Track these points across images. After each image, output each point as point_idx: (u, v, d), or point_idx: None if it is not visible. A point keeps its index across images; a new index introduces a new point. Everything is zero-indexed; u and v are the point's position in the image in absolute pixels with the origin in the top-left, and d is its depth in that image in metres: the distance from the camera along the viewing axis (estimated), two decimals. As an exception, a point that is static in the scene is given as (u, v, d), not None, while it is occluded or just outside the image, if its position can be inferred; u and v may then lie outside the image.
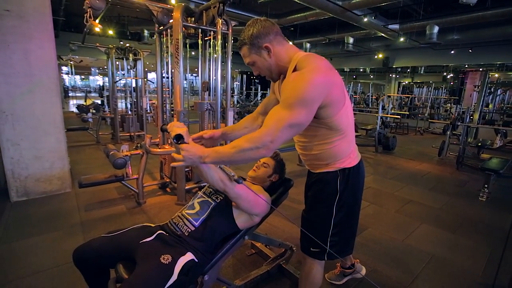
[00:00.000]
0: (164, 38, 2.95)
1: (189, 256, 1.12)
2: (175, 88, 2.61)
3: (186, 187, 2.85)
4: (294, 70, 1.02)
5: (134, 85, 6.00)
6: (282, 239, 1.81)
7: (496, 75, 12.71)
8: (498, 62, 10.31)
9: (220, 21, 2.50)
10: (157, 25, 2.85)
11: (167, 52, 3.03)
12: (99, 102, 9.72)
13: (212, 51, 2.86)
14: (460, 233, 2.45)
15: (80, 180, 2.52)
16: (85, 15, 2.25)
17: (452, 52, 10.38)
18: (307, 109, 0.95)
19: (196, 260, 1.14)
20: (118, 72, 5.99)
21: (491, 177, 3.21)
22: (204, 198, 1.31)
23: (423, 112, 9.95)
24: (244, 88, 13.12)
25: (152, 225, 1.32)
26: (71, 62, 14.67)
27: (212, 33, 2.78)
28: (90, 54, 11.40)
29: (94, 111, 7.40)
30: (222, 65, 2.77)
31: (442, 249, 2.17)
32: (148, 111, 6.32)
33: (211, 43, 2.84)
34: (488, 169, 3.24)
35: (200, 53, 2.97)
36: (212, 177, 1.11)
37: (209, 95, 3.01)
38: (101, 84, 15.12)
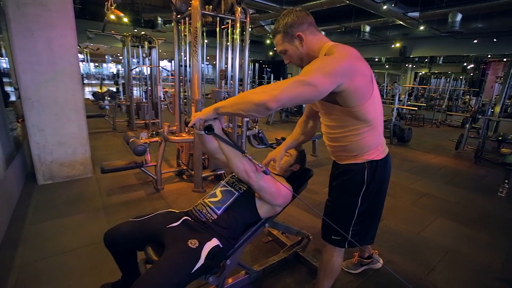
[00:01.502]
0: (182, 27, 2.95)
1: (214, 241, 1.17)
2: (193, 76, 2.63)
3: (203, 175, 2.91)
4: None
5: (148, 73, 6.07)
6: (298, 228, 1.84)
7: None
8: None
9: (239, 9, 2.47)
10: (175, 13, 2.85)
11: (184, 41, 3.03)
12: (114, 89, 9.87)
13: (230, 39, 2.84)
14: (477, 228, 2.42)
15: (102, 166, 2.61)
16: (106, 3, 2.27)
17: (475, 41, 9.93)
18: (324, 76, 0.91)
19: (221, 246, 1.18)
20: (133, 60, 6.05)
21: (511, 173, 3.13)
22: (227, 187, 1.35)
23: (440, 104, 9.65)
24: (256, 77, 13.02)
25: (177, 211, 1.37)
26: (86, 50, 14.86)
27: (230, 21, 2.76)
28: (105, 41, 11.52)
29: (109, 98, 7.54)
30: (240, 54, 2.76)
31: (459, 243, 2.17)
32: (162, 99, 6.39)
33: (229, 31, 2.83)
34: (509, 163, 3.15)
35: (218, 41, 2.97)
36: (238, 167, 1.14)
37: (225, 83, 3.02)
38: (116, 72, 15.30)
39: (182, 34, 3.00)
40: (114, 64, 25.08)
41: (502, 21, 7.54)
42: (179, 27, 3.01)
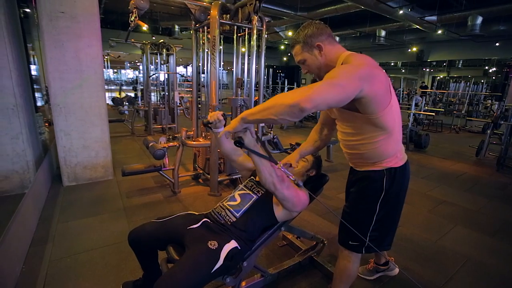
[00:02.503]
0: (200, 35, 3.07)
1: (233, 243, 1.22)
2: (211, 83, 2.72)
3: (219, 179, 2.98)
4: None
5: (166, 78, 6.27)
6: (313, 232, 1.86)
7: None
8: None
9: (256, 17, 2.55)
10: (193, 22, 2.96)
11: (202, 49, 3.14)
12: (132, 95, 10.22)
13: (246, 46, 2.92)
14: (499, 237, 2.35)
15: (123, 169, 2.73)
16: (130, 14, 2.40)
17: (497, 44, 9.62)
18: (348, 80, 0.94)
19: (239, 248, 1.23)
20: (151, 66, 6.27)
21: (536, 181, 3.02)
22: (246, 191, 1.40)
23: (459, 109, 9.36)
24: (270, 82, 13.11)
25: (196, 213, 1.43)
26: (106, 57, 15.47)
27: (246, 29, 2.84)
28: (124, 49, 11.99)
29: (127, 103, 7.82)
30: (256, 60, 2.83)
31: (479, 252, 2.11)
32: (178, 104, 6.58)
33: (245, 38, 2.91)
34: (534, 171, 3.04)
35: (234, 48, 3.06)
36: (266, 180, 1.18)
37: (241, 90, 3.09)
38: (135, 78, 15.86)
39: (200, 42, 3.11)
40: (132, 70, 25.93)
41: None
42: (198, 35, 3.12)
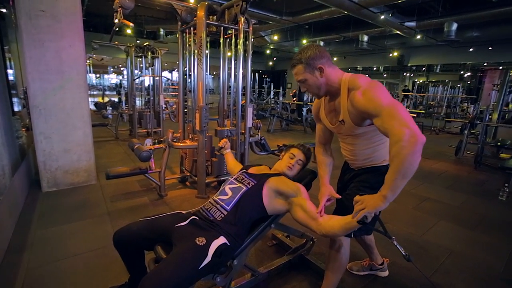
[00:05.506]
0: (186, 37, 3.05)
1: (222, 239, 1.20)
2: (198, 85, 2.70)
3: (206, 181, 2.94)
4: (349, 90, 1.17)
5: (151, 82, 6.17)
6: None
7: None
8: (519, 60, 10.02)
9: (242, 19, 2.56)
10: (180, 23, 2.94)
11: (188, 51, 3.11)
12: (116, 100, 9.98)
13: (233, 50, 2.92)
14: (479, 230, 2.44)
15: (107, 172, 2.64)
16: (115, 14, 2.36)
17: (471, 49, 10.11)
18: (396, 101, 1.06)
19: (228, 244, 1.21)
20: (136, 71, 6.16)
21: (511, 176, 3.16)
22: (237, 184, 1.39)
23: (438, 112, 9.75)
24: (257, 86, 13.19)
25: (184, 212, 1.41)
26: (88, 61, 15.09)
27: (233, 31, 2.85)
28: (108, 53, 11.71)
29: (111, 108, 7.63)
30: (243, 63, 2.83)
31: (462, 245, 2.18)
32: (164, 108, 6.48)
33: (232, 41, 2.91)
34: (509, 168, 3.19)
35: (221, 53, 3.05)
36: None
37: (229, 93, 3.09)
38: (118, 82, 15.51)
39: (187, 44, 3.09)
40: (116, 75, 25.38)
41: (496, 30, 7.72)
42: (184, 37, 3.10)
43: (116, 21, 2.29)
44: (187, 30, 2.97)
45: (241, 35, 2.68)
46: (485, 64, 12.68)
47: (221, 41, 2.99)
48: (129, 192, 3.00)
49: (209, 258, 1.11)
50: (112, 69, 23.90)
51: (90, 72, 19.41)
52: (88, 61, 15.08)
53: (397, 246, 1.26)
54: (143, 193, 3.01)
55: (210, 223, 1.27)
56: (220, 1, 6.20)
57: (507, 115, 7.92)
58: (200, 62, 2.63)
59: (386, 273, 1.80)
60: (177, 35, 3.09)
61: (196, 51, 2.65)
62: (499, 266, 1.94)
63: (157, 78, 5.85)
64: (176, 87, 9.00)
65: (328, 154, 1.51)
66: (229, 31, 2.93)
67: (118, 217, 2.44)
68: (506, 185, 3.18)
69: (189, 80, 3.18)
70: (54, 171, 2.92)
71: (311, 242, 1.88)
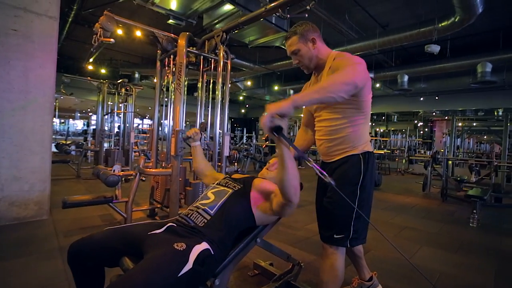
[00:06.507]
0: (166, 66, 3.07)
1: (204, 245, 1.02)
2: (175, 108, 2.64)
3: (179, 212, 2.68)
4: (334, 60, 1.25)
5: (122, 123, 5.97)
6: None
7: (460, 124, 13.99)
8: (460, 109, 11.47)
9: (222, 48, 2.67)
10: (159, 52, 2.99)
11: (166, 81, 3.10)
12: (82, 141, 9.45)
13: (211, 88, 2.92)
14: (461, 254, 2.42)
15: (64, 200, 2.31)
16: (95, 36, 2.34)
17: (421, 99, 11.48)
18: (364, 69, 1.15)
19: (212, 252, 1.04)
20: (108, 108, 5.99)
21: (477, 204, 3.32)
22: (220, 188, 1.26)
23: (401, 155, 10.50)
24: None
25: (159, 220, 1.22)
26: (54, 103, 14.54)
27: (212, 61, 2.91)
28: (78, 94, 11.37)
29: (74, 147, 7.11)
30: (221, 111, 2.77)
31: (449, 267, 2.12)
32: (133, 145, 6.21)
33: (211, 79, 2.90)
34: (474, 196, 3.36)
35: (199, 81, 3.06)
36: (290, 180, 1.00)
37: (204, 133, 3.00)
38: (85, 127, 14.87)
39: (165, 76, 3.09)
40: (82, 120, 24.49)
41: (439, 82, 8.95)
42: (163, 67, 3.12)
43: (96, 40, 2.26)
44: (166, 59, 3.01)
45: (221, 65, 2.74)
46: (434, 113, 14.31)
47: (200, 71, 3.01)
48: (88, 227, 2.62)
49: (190, 265, 0.93)
50: (79, 115, 23.09)
51: (55, 117, 18.54)
52: (54, 103, 14.55)
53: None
54: (104, 227, 2.64)
55: (190, 230, 1.10)
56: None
57: (459, 155, 8.74)
58: (179, 86, 2.61)
59: None
60: (157, 63, 3.10)
61: (175, 76, 2.64)
62: (490, 285, 1.88)
63: (130, 113, 5.70)
64: (147, 134, 8.81)
65: (307, 134, 1.55)
66: (209, 63, 2.97)
67: (72, 252, 2.07)
68: (474, 211, 3.30)
69: (160, 129, 3.11)
70: (-3, 202, 2.51)
71: (298, 267, 1.71)
